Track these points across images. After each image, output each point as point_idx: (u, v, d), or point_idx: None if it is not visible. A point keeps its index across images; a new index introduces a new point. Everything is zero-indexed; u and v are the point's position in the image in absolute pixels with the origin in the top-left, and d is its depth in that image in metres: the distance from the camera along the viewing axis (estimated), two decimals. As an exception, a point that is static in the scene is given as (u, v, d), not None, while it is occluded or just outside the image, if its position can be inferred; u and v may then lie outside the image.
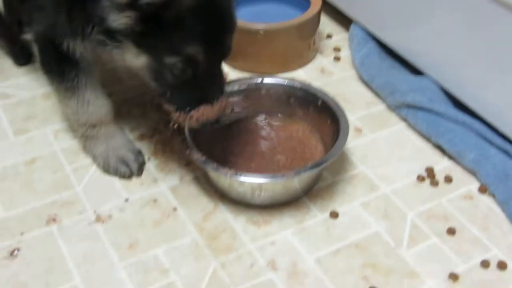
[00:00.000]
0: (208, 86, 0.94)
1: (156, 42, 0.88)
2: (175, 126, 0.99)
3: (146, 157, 1.13)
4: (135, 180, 1.09)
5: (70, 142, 1.17)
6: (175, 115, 0.96)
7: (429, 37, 1.20)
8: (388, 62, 1.29)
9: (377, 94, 1.27)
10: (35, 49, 1.07)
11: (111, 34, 0.89)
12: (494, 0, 1.00)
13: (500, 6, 1.00)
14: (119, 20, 0.85)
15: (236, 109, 1.17)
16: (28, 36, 1.07)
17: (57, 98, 1.11)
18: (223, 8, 0.92)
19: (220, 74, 0.97)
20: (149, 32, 0.86)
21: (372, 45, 1.32)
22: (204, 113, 0.94)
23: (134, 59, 0.92)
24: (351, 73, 1.33)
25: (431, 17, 1.18)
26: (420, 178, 1.09)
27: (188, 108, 0.94)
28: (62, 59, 1.01)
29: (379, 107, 1.24)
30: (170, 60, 0.89)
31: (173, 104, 0.96)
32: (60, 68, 1.03)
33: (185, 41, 0.88)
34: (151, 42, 0.88)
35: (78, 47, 0.99)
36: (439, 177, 1.09)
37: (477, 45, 1.09)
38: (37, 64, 1.29)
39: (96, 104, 1.06)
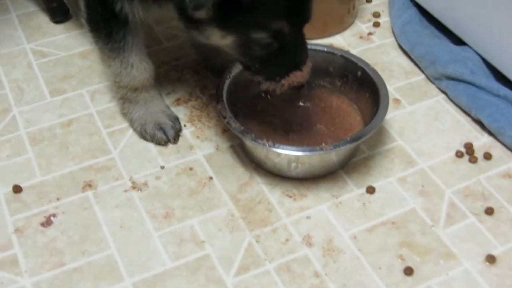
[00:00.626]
0: (294, 53, 0.92)
1: (241, 21, 0.85)
2: (268, 95, 0.99)
3: (183, 124, 1.10)
4: (171, 147, 1.06)
5: (106, 105, 1.14)
6: (266, 85, 0.95)
7: (473, 5, 1.13)
8: (430, 30, 1.24)
9: (416, 64, 1.21)
10: (81, 5, 1.01)
11: (193, 21, 0.87)
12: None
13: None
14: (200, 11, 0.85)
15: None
16: None
17: (99, 58, 1.06)
18: None
19: (303, 39, 0.94)
20: (232, 13, 0.84)
21: (413, 11, 1.26)
22: (295, 79, 0.93)
23: (221, 40, 0.90)
24: (390, 41, 1.27)
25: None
26: (459, 154, 1.04)
27: (278, 77, 0.93)
28: (111, 19, 0.97)
29: (419, 77, 1.19)
30: (258, 35, 0.88)
31: (263, 75, 0.95)
32: (108, 28, 0.98)
33: (270, 16, 0.86)
34: (236, 22, 0.86)
35: (133, 10, 0.95)
36: (478, 153, 1.04)
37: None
38: (75, 22, 1.30)
39: (140, 67, 1.03)
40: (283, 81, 0.93)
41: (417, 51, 1.18)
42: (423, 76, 1.18)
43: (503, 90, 1.07)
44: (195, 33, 0.91)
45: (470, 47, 1.15)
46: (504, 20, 1.06)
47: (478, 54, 1.13)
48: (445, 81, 1.13)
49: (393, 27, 1.26)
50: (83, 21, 1.01)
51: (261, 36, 0.88)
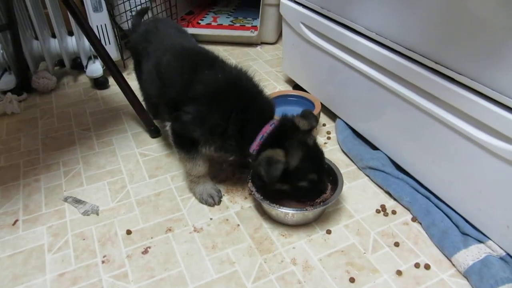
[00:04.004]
0: (320, 186, 0.97)
1: (293, 177, 0.91)
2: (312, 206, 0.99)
3: (222, 194, 1.11)
4: (216, 207, 1.07)
5: (180, 183, 1.15)
6: (309, 202, 0.98)
7: (381, 128, 1.18)
8: (358, 141, 1.27)
9: (351, 160, 1.24)
10: (170, 134, 1.03)
11: (264, 181, 0.91)
12: (419, 109, 0.98)
13: (424, 114, 0.98)
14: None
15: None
16: (166, 128, 1.06)
17: (179, 159, 1.08)
18: (317, 150, 0.96)
19: (324, 178, 0.98)
20: (287, 175, 0.89)
21: (349, 131, 1.30)
22: (321, 199, 0.98)
23: (280, 187, 0.94)
24: (336, 147, 1.30)
25: (382, 118, 1.16)
26: (378, 211, 1.06)
27: (312, 199, 0.98)
28: (189, 144, 1.00)
29: (353, 167, 1.22)
30: (302, 183, 0.93)
31: (305, 199, 0.98)
32: (187, 148, 1.01)
33: (307, 173, 0.92)
34: (289, 178, 0.91)
35: (205, 147, 0.99)
36: (389, 210, 1.06)
37: (407, 135, 1.07)
38: (162, 138, 1.34)
39: (202, 166, 1.04)
40: (317, 200, 0.98)
41: (352, 153, 1.22)
42: (355, 167, 1.20)
43: (401, 175, 1.10)
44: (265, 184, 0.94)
45: (381, 151, 1.18)
46: (397, 136, 1.10)
47: (386, 155, 1.17)
48: (368, 169, 1.15)
49: (338, 140, 1.30)
50: (171, 142, 1.03)
51: (303, 183, 0.93)
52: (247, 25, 2.12)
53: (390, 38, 1.04)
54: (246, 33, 2.02)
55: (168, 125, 1.04)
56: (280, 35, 2.14)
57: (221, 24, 2.15)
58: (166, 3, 2.08)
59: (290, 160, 0.89)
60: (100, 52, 1.29)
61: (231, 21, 2.19)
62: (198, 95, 0.95)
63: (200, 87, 0.95)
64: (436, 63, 0.92)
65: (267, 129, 0.94)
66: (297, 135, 0.93)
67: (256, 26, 2.06)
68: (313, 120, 0.97)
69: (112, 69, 1.30)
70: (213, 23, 2.16)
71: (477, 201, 0.91)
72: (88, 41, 1.30)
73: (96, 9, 1.55)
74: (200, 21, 2.20)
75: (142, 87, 1.34)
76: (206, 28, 2.09)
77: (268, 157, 0.87)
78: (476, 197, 0.91)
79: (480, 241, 0.91)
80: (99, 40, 1.30)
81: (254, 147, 0.94)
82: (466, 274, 0.86)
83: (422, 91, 0.97)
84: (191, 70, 0.99)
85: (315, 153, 0.94)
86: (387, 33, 1.05)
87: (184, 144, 1.01)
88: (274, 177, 0.87)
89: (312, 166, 0.93)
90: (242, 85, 0.97)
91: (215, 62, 1.02)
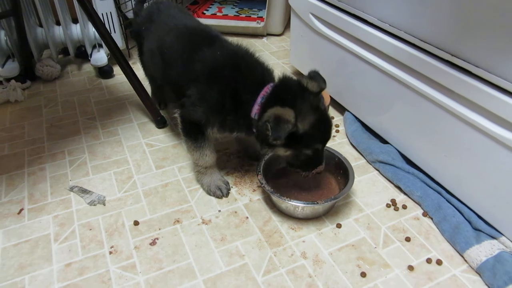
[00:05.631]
0: (319, 158, 0.93)
1: (298, 144, 0.86)
2: (306, 177, 0.98)
3: (230, 186, 1.09)
4: (224, 199, 1.05)
5: (187, 175, 1.13)
6: (302, 174, 0.95)
7: (391, 122, 1.15)
8: (367, 135, 1.25)
9: (361, 153, 1.22)
10: (179, 122, 1.00)
11: (268, 144, 0.88)
12: (432, 102, 0.96)
13: (437, 107, 0.95)
14: (277, 141, 0.86)
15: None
16: (175, 114, 1.02)
17: (186, 149, 1.05)
18: (327, 118, 0.91)
19: (323, 149, 0.95)
20: (292, 140, 0.85)
21: (358, 124, 1.28)
22: (317, 170, 0.94)
23: (284, 153, 0.90)
24: (345, 140, 1.28)
25: (392, 110, 1.13)
26: (388, 205, 1.04)
27: (310, 170, 0.94)
28: (198, 133, 0.97)
29: (362, 161, 1.20)
30: (306, 151, 0.89)
31: (301, 169, 0.95)
32: (194, 136, 0.98)
33: (314, 141, 0.88)
34: (295, 144, 0.87)
35: (213, 132, 0.96)
36: (399, 205, 1.04)
37: (419, 129, 1.04)
38: (169, 128, 1.32)
39: (210, 156, 1.02)
40: (312, 172, 0.93)
41: (361, 147, 1.19)
42: (364, 160, 1.18)
43: (411, 169, 1.08)
44: (266, 149, 0.90)
45: (391, 145, 1.16)
46: (408, 129, 1.07)
47: (396, 148, 1.14)
48: (377, 163, 1.13)
49: (346, 133, 1.28)
50: (180, 130, 1.01)
51: (307, 151, 0.89)
52: (252, 16, 2.08)
53: (404, 29, 1.01)
54: (252, 24, 1.98)
55: (177, 113, 1.01)
56: (286, 27, 2.10)
57: (227, 15, 2.11)
58: (172, -8, 2.03)
59: (301, 124, 0.83)
60: (106, 39, 1.26)
61: (237, 12, 2.15)
62: (197, 74, 0.93)
63: (199, 66, 0.93)
64: (452, 55, 0.89)
65: (267, 89, 0.89)
66: (307, 97, 0.86)
67: (262, 17, 2.02)
68: (322, 81, 0.90)
69: (118, 57, 1.27)
70: (218, 14, 2.12)
71: (492, 197, 0.89)
72: (94, 27, 1.26)
73: (102, -4, 1.51)
74: (205, 11, 2.16)
75: (147, 72, 1.31)
76: (211, 19, 2.05)
77: (276, 114, 0.81)
78: (491, 193, 0.89)
79: (493, 237, 0.89)
80: (105, 27, 1.26)
81: (255, 110, 0.88)
82: (479, 270, 0.85)
83: (436, 84, 0.95)
84: (191, 50, 0.96)
85: (326, 120, 0.88)
86: (401, 24, 1.02)
87: (191, 132, 0.98)
88: (280, 137, 0.81)
89: (320, 134, 0.87)
90: (238, 60, 0.93)
91: (215, 40, 0.99)
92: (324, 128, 0.89)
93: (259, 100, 0.88)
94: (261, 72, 0.93)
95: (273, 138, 0.83)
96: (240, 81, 0.90)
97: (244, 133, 0.96)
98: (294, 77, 0.93)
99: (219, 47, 0.96)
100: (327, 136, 0.91)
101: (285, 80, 0.91)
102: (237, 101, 0.90)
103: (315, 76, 0.92)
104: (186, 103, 0.95)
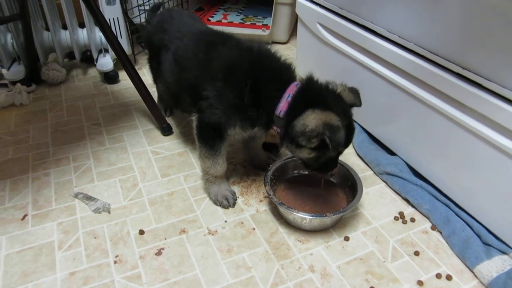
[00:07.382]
0: (335, 160, 0.93)
1: (326, 147, 0.84)
2: (323, 181, 1.00)
3: (237, 196, 1.07)
4: (231, 209, 1.03)
5: (193, 183, 1.11)
6: (319, 175, 0.96)
7: (399, 133, 1.14)
8: (374, 146, 1.23)
9: (368, 165, 1.20)
10: (194, 127, 0.98)
11: (296, 145, 0.87)
12: (441, 114, 0.95)
13: (446, 119, 0.94)
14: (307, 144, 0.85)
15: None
16: (192, 120, 0.99)
17: (198, 156, 1.02)
18: (353, 126, 0.90)
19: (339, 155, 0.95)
20: (322, 143, 0.84)
21: (364, 135, 1.27)
22: (332, 172, 0.95)
23: (306, 154, 0.89)
24: (352, 151, 1.27)
25: (400, 122, 1.12)
26: (396, 218, 1.02)
27: (326, 172, 0.94)
28: (213, 138, 0.95)
29: (369, 172, 1.18)
30: (332, 154, 0.88)
31: (319, 171, 0.94)
32: (211, 143, 0.96)
33: (341, 147, 0.87)
34: (323, 147, 0.85)
35: (235, 133, 0.93)
36: (407, 218, 1.02)
37: (427, 141, 1.03)
38: (174, 136, 1.30)
39: (222, 166, 1.00)
40: (328, 173, 0.94)
41: (368, 158, 1.18)
42: (371, 172, 1.16)
43: (419, 181, 1.06)
44: (291, 149, 0.88)
45: (399, 156, 1.15)
46: (416, 141, 1.06)
47: (403, 160, 1.13)
48: (385, 175, 1.11)
49: (353, 144, 1.26)
50: (195, 136, 0.98)
51: (332, 154, 0.88)
52: (258, 24, 2.07)
53: (413, 41, 1.00)
54: (258, 32, 1.98)
55: (194, 117, 0.98)
56: (291, 35, 2.09)
57: (232, 22, 2.10)
58: (178, -1, 2.03)
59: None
60: (113, 44, 1.25)
61: (242, 19, 2.14)
62: (215, 72, 0.91)
63: (214, 64, 0.92)
64: (463, 68, 0.88)
65: (293, 87, 0.88)
66: (342, 102, 0.88)
67: (267, 24, 2.01)
68: (359, 100, 0.93)
69: (125, 62, 1.26)
70: (223, 21, 2.12)
71: (503, 211, 0.87)
72: (102, 32, 1.25)
73: (109, 2, 1.50)
74: (210, 18, 2.15)
75: (156, 80, 1.30)
76: (217, 25, 2.05)
77: (329, 124, 0.80)
78: (501, 207, 0.87)
79: (503, 253, 0.87)
80: (113, 32, 1.25)
81: (281, 107, 0.87)
82: (490, 286, 0.83)
83: (446, 96, 0.94)
84: (207, 49, 0.96)
85: (353, 128, 0.90)
86: (410, 36, 1.01)
87: (208, 138, 0.96)
88: (340, 144, 0.81)
89: (348, 140, 0.87)
90: (254, 55, 0.92)
91: (230, 39, 0.99)
92: (351, 134, 0.90)
93: (285, 97, 0.87)
94: (285, 69, 0.92)
95: (334, 146, 0.82)
96: (261, 76, 0.89)
97: (263, 129, 0.94)
98: (319, 79, 0.92)
99: (235, 44, 0.96)
100: (351, 139, 0.91)
101: (313, 81, 0.91)
102: (258, 96, 0.89)
103: (354, 92, 0.93)
104: (203, 106, 0.93)
